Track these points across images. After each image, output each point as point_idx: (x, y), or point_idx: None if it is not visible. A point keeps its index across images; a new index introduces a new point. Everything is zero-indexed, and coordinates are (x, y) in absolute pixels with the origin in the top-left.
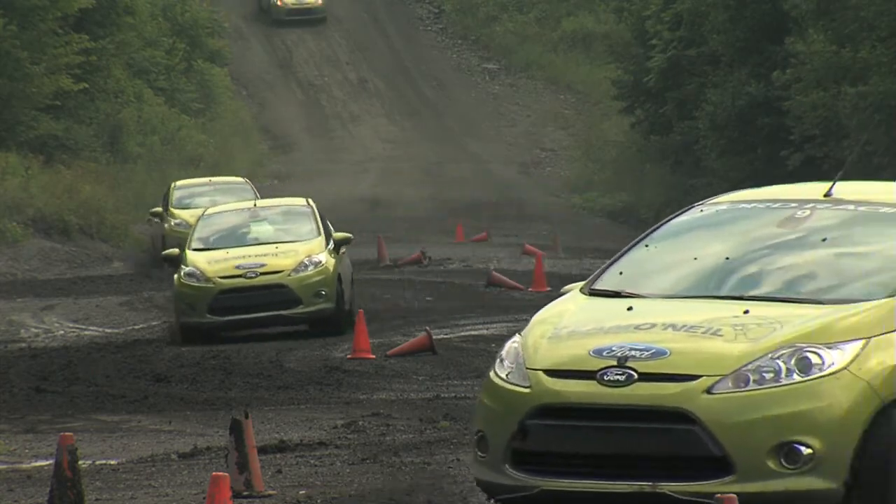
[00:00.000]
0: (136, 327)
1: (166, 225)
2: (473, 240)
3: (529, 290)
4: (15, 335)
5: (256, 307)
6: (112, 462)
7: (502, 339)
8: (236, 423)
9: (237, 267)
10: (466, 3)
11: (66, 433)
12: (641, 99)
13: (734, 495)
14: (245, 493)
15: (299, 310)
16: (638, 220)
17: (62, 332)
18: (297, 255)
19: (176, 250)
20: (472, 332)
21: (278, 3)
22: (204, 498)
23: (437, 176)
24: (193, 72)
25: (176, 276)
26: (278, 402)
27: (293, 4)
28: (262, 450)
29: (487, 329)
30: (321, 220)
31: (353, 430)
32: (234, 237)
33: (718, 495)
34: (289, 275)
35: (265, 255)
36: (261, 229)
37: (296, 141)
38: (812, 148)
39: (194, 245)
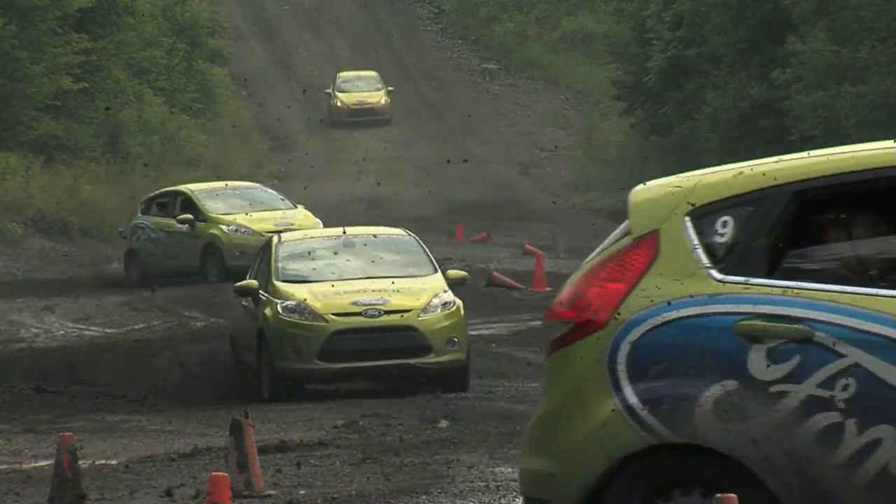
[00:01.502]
0: (136, 327)
1: (215, 232)
2: (473, 240)
3: (530, 290)
4: (15, 335)
5: (378, 353)
6: (112, 462)
7: (502, 339)
8: (236, 423)
9: (354, 303)
10: (466, 3)
11: (66, 433)
12: (641, 99)
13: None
14: (245, 493)
15: (430, 359)
16: None
17: (62, 332)
18: (424, 293)
19: (254, 282)
20: (473, 332)
21: (338, 104)
22: (204, 498)
23: (437, 176)
24: (193, 72)
25: (267, 310)
26: (278, 402)
27: (354, 105)
28: (262, 450)
29: (488, 329)
30: (430, 253)
31: (353, 430)
32: (331, 269)
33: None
34: (418, 316)
35: (383, 290)
36: (359, 260)
37: (296, 141)
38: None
39: (281, 276)
